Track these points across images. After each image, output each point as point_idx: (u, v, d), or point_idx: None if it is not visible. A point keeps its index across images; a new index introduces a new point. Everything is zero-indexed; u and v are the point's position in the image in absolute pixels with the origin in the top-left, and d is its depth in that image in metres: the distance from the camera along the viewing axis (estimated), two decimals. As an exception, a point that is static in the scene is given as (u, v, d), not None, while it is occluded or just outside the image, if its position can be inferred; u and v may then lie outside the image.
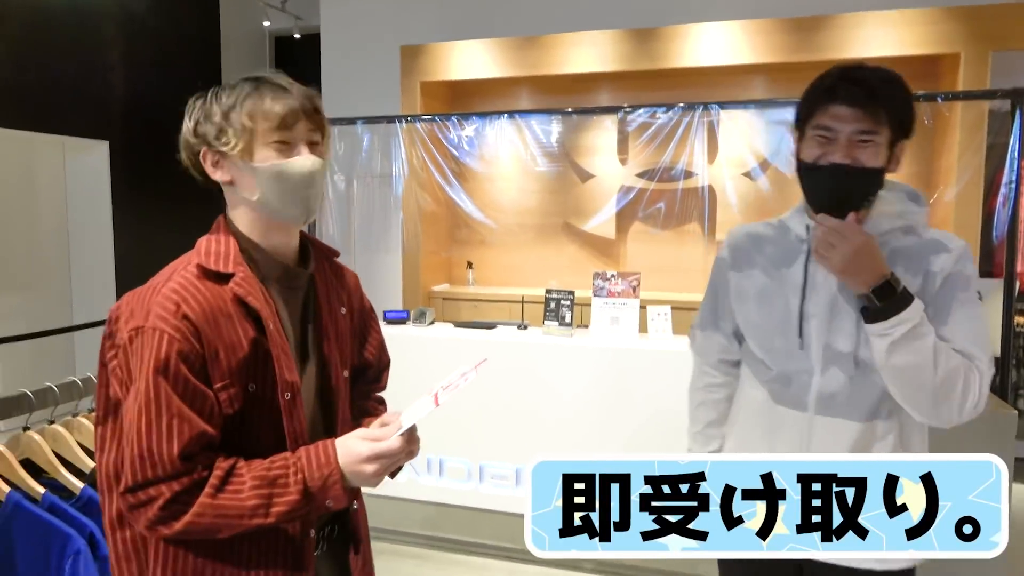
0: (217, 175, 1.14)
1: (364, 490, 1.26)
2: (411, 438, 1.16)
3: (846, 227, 1.24)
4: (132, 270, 5.26)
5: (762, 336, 1.43)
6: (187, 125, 1.14)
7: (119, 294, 5.32)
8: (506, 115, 3.64)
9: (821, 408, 1.35)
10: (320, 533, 1.21)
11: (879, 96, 1.23)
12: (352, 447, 1.10)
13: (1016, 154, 2.64)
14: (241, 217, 1.16)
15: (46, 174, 5.17)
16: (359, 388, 1.39)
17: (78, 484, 1.32)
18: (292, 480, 1.06)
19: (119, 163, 5.17)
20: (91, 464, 1.36)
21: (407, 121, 3.72)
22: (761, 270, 1.43)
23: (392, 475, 1.21)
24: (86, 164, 5.14)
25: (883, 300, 1.24)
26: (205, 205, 5.79)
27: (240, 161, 1.10)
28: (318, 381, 1.22)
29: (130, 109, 5.30)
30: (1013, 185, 2.66)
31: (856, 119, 1.23)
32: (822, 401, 1.35)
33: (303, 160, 1.12)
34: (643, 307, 3.20)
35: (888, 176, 1.31)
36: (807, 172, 1.30)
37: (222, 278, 1.09)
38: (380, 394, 1.47)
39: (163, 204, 5.61)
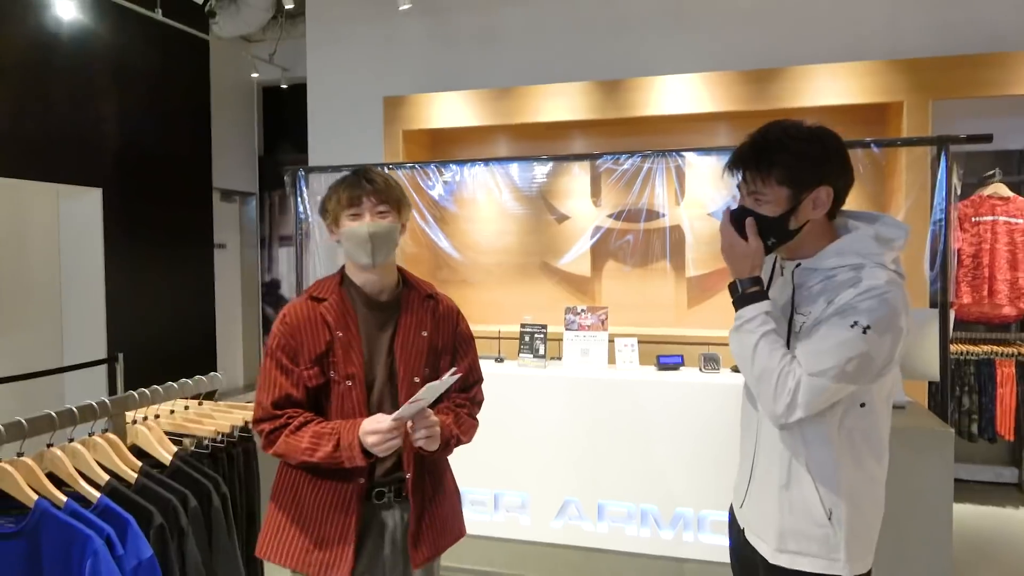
0: (331, 239, 1.78)
1: None
2: (422, 425, 1.63)
3: (721, 228, 1.57)
4: (123, 311, 5.41)
5: None
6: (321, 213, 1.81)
7: (110, 336, 5.46)
8: (482, 163, 3.88)
9: (756, 402, 1.58)
10: (386, 488, 1.73)
11: (754, 163, 1.49)
12: (366, 424, 1.61)
13: (943, 195, 2.90)
14: (347, 264, 1.79)
15: (40, 220, 5.34)
16: (450, 395, 1.84)
17: (95, 494, 1.48)
18: (331, 438, 1.62)
19: (111, 209, 5.36)
20: (106, 478, 1.53)
21: (389, 168, 3.96)
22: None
23: (426, 452, 1.69)
24: (79, 210, 5.32)
25: (732, 295, 1.56)
26: (191, 250, 6.08)
27: (335, 227, 1.75)
28: (388, 378, 1.73)
29: (122, 157, 5.51)
30: (942, 223, 2.92)
31: (748, 181, 1.53)
32: (750, 396, 1.63)
33: (360, 225, 1.71)
34: (611, 340, 3.41)
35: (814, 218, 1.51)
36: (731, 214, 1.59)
37: (320, 300, 1.74)
38: (467, 399, 1.89)
39: (153, 249, 5.80)
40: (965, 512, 4.23)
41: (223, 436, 1.90)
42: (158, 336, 5.75)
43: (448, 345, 1.84)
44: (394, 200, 1.76)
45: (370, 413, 1.69)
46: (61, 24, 4.97)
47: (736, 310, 1.55)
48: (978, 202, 4.40)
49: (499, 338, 3.70)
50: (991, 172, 4.43)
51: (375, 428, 1.59)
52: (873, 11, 4.61)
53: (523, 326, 3.45)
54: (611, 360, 3.38)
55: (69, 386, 5.29)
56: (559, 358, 3.46)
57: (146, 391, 1.77)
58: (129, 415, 1.74)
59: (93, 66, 5.27)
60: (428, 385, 1.55)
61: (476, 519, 3.33)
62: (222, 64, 6.70)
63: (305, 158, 5.80)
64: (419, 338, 1.77)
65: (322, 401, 1.71)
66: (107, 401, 1.64)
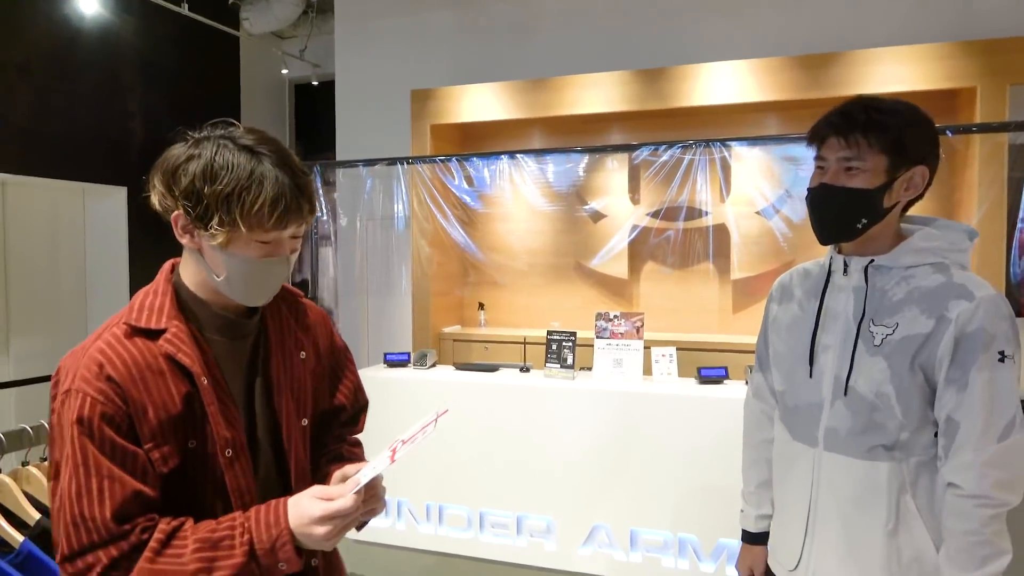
0: (184, 239, 1.10)
1: (351, 534, 1.19)
2: (372, 495, 1.13)
3: None
4: (147, 313, 5.33)
5: (785, 366, 1.45)
6: (163, 175, 1.11)
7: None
8: (506, 155, 3.62)
9: (828, 443, 1.34)
10: None
11: (862, 125, 1.27)
12: (304, 507, 1.05)
13: (1032, 188, 2.53)
14: (192, 274, 1.14)
15: (66, 219, 5.27)
16: (333, 432, 1.34)
17: (18, 538, 1.26)
18: (238, 542, 1.02)
19: (136, 208, 5.26)
20: (36, 516, 1.31)
21: (409, 163, 3.73)
22: (797, 303, 1.47)
23: (358, 528, 1.18)
24: (105, 210, 5.24)
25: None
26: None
27: (219, 248, 1.06)
28: (271, 433, 1.18)
29: (148, 155, 5.39)
30: (1030, 220, 2.55)
31: (840, 147, 1.30)
32: (829, 436, 1.34)
33: (280, 264, 1.10)
34: (648, 348, 3.10)
35: (905, 204, 1.34)
36: (806, 198, 1.37)
37: (152, 335, 1.08)
38: (357, 436, 1.41)
39: (178, 248, 5.70)
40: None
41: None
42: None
43: (327, 367, 1.31)
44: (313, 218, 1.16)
45: (258, 491, 1.13)
46: (85, 20, 4.88)
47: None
48: (1062, 198, 3.95)
49: (524, 344, 3.43)
50: (1077, 164, 3.98)
51: (324, 511, 1.03)
52: (942, -12, 4.20)
53: (550, 333, 3.18)
54: (647, 371, 3.08)
55: (93, 388, 5.21)
56: (590, 368, 3.17)
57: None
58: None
59: (119, 63, 5.18)
60: (408, 431, 1.10)
61: (496, 543, 3.06)
62: (252, 61, 6.58)
63: (335, 155, 5.63)
64: (298, 364, 1.22)
65: (176, 491, 1.06)
66: (44, 424, 1.41)
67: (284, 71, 6.63)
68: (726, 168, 4.22)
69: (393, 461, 1.07)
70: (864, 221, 1.30)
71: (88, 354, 1.06)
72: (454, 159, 3.72)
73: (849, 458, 1.31)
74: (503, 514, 3.05)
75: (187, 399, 1.06)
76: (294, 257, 1.14)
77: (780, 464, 1.49)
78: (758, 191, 4.30)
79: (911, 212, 1.39)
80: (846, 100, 1.33)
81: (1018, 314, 3.07)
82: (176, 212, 1.09)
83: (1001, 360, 1.22)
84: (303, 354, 1.23)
